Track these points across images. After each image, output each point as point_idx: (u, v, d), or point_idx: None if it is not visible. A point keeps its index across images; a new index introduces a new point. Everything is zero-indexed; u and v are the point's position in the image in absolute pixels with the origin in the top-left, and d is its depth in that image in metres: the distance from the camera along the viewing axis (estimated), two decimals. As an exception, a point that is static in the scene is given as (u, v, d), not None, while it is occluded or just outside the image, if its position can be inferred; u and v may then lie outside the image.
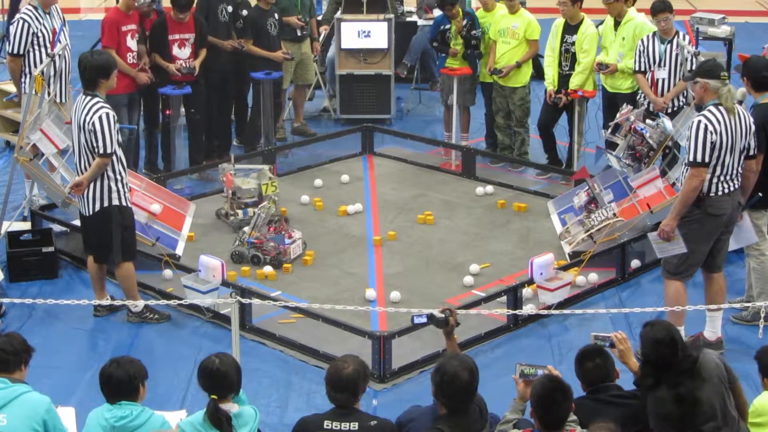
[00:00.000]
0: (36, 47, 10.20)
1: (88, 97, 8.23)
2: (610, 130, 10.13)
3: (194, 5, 11.52)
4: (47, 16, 10.29)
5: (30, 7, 10.27)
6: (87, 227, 8.57)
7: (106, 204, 8.30)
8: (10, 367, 5.70)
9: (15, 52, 10.25)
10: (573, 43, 11.34)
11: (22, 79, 10.30)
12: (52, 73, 10.04)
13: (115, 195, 8.29)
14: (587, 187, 9.89)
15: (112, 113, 8.21)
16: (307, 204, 11.03)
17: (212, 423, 5.52)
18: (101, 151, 8.15)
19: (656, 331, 5.75)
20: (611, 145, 10.17)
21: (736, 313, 8.68)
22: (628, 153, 9.82)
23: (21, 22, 10.20)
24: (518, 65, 11.75)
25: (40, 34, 10.18)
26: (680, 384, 5.59)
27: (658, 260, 9.71)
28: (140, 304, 8.59)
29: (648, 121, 9.90)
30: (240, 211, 10.31)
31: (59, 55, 10.00)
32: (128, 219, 8.50)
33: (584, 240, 9.55)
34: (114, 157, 8.25)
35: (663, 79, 10.41)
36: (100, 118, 8.12)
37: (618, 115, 10.12)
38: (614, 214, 9.53)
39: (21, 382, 5.72)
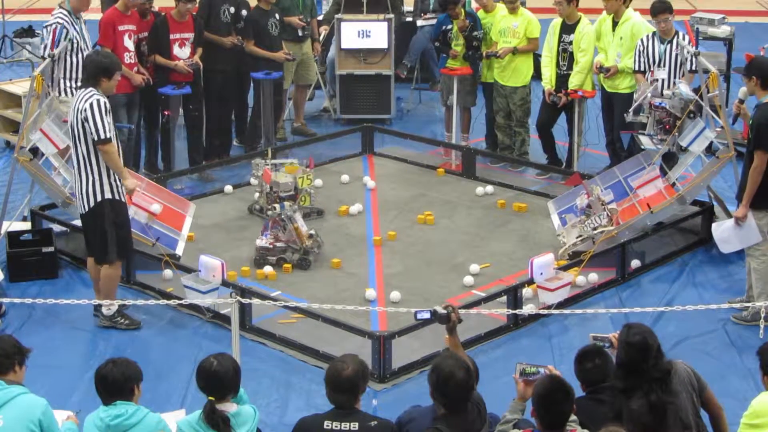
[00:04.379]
0: (69, 53, 10.10)
1: (83, 89, 8.23)
2: (632, 112, 10.12)
3: (197, 4, 11.55)
4: (78, 20, 10.22)
5: (65, 12, 10.15)
6: (84, 226, 8.58)
7: (99, 198, 8.26)
8: (3, 369, 5.70)
9: (47, 54, 10.03)
10: (570, 43, 11.35)
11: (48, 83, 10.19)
12: (64, 71, 9.97)
13: (107, 188, 8.25)
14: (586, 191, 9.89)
15: (104, 100, 8.14)
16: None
17: (209, 424, 5.52)
18: (96, 138, 8.10)
19: (631, 334, 5.72)
20: (638, 126, 10.18)
21: (736, 313, 8.68)
22: (658, 128, 9.82)
23: (58, 27, 10.09)
24: (515, 51, 11.74)
25: (73, 39, 10.09)
26: (652, 392, 5.58)
27: (657, 260, 9.76)
28: (113, 308, 8.59)
29: (665, 92, 9.90)
30: (277, 206, 10.35)
31: (78, 49, 9.88)
32: (121, 215, 8.44)
33: (575, 244, 9.54)
34: None
35: (662, 80, 10.41)
36: (90, 104, 8.07)
37: (635, 95, 10.14)
38: (609, 219, 9.51)
39: (17, 383, 5.73)
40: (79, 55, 10.17)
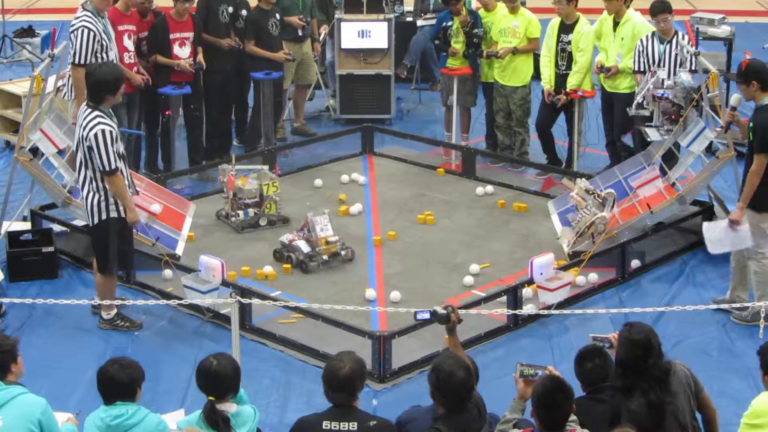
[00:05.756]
0: (99, 55, 9.91)
1: (89, 110, 8.14)
2: (634, 107, 10.12)
3: (195, 4, 11.54)
4: (102, 20, 10.03)
5: (88, 13, 9.90)
6: (90, 236, 8.62)
7: (104, 217, 8.27)
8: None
9: (81, 62, 9.80)
10: (569, 43, 11.35)
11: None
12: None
13: (113, 207, 8.26)
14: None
15: (109, 129, 8.07)
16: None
17: (209, 424, 5.52)
18: (101, 170, 8.10)
19: (634, 332, 5.72)
20: (638, 120, 10.20)
21: (736, 313, 8.67)
22: (665, 119, 9.82)
23: (85, 30, 9.81)
24: (515, 51, 11.74)
25: (103, 41, 9.93)
26: (651, 391, 5.58)
27: (657, 260, 9.76)
28: (112, 312, 8.60)
29: (666, 82, 9.91)
30: (241, 212, 10.31)
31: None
32: (125, 230, 8.46)
33: (577, 241, 9.52)
34: None
35: (662, 79, 10.39)
36: (95, 135, 8.01)
37: (638, 89, 10.14)
38: (602, 204, 9.47)
39: (18, 377, 5.73)
40: (107, 55, 10.01)
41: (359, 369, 5.54)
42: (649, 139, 10.12)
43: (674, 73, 10.31)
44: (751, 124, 8.42)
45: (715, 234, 8.71)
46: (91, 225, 8.39)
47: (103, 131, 8.03)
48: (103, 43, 9.95)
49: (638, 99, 10.12)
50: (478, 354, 8.00)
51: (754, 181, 8.33)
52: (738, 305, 8.66)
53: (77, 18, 9.96)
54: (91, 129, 8.04)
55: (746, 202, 8.41)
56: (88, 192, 8.25)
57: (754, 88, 8.34)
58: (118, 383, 5.60)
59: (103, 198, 8.23)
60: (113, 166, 8.09)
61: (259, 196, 10.38)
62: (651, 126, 9.99)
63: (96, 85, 8.19)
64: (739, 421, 5.82)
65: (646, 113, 10.01)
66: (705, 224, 9.03)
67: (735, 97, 8.97)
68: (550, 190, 11.20)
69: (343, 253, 9.65)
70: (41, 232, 9.82)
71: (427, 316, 6.31)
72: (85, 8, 10.00)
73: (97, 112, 8.11)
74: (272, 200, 10.39)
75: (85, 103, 8.28)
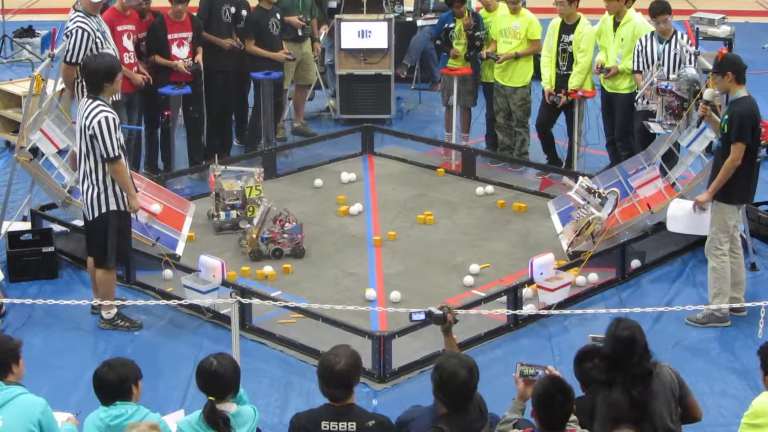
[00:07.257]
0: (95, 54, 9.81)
1: (90, 100, 8.19)
2: (640, 100, 10.11)
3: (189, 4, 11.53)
4: (95, 19, 10.00)
5: (80, 14, 9.89)
6: (88, 231, 8.61)
7: (104, 210, 8.29)
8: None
9: (73, 60, 9.83)
10: (570, 43, 11.35)
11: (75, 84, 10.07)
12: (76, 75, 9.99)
13: (112, 200, 8.28)
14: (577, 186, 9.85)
15: (112, 116, 8.14)
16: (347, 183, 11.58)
17: (209, 424, 5.51)
18: (105, 157, 8.12)
19: (619, 328, 5.71)
20: (646, 114, 10.20)
21: (690, 315, 8.62)
22: (668, 113, 9.83)
23: (80, 31, 9.79)
24: (517, 56, 11.74)
25: (97, 40, 9.88)
26: (634, 387, 5.58)
27: (657, 260, 9.76)
28: (113, 312, 8.60)
29: (671, 75, 9.90)
30: (222, 213, 10.27)
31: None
32: (124, 224, 8.48)
33: (577, 241, 9.51)
34: None
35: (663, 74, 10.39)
36: (99, 122, 8.06)
37: (642, 83, 10.14)
38: (601, 202, 9.48)
39: (18, 378, 5.74)
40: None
41: (355, 363, 5.49)
42: (651, 132, 10.11)
43: (673, 72, 10.32)
44: (725, 116, 8.44)
45: (678, 212, 9.04)
46: (90, 219, 8.39)
47: (106, 118, 8.08)
48: (98, 41, 9.96)
49: (639, 96, 10.11)
50: (478, 354, 7.99)
51: (730, 169, 8.38)
52: (718, 307, 8.59)
53: (71, 20, 9.97)
54: (94, 117, 8.08)
55: (717, 188, 8.46)
56: (88, 186, 8.27)
57: (729, 79, 8.37)
58: (109, 384, 5.60)
59: (102, 191, 8.25)
60: (116, 153, 8.13)
61: (242, 198, 10.34)
62: (654, 121, 9.99)
63: (93, 76, 8.24)
64: (739, 421, 5.83)
65: (654, 107, 10.00)
66: (674, 200, 9.30)
67: (708, 92, 8.98)
68: (548, 190, 11.20)
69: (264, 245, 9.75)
70: (41, 232, 9.83)
71: (422, 316, 6.30)
72: (76, 9, 10.02)
73: (98, 101, 8.17)
74: (254, 203, 10.30)
75: (86, 96, 8.32)
